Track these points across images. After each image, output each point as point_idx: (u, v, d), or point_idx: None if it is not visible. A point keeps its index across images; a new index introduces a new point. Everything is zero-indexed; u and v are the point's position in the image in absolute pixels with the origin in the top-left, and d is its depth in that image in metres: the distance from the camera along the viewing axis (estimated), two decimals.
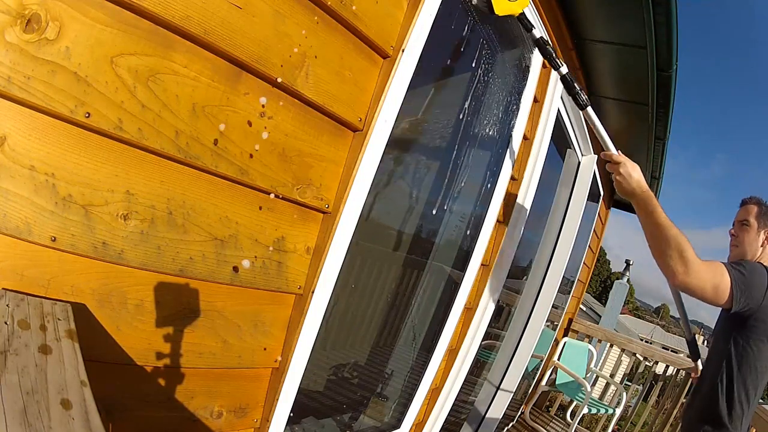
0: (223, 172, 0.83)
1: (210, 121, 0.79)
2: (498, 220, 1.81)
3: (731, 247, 1.53)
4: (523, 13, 1.32)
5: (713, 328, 1.59)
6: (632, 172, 1.31)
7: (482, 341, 1.97)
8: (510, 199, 1.87)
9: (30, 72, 0.61)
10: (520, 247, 1.95)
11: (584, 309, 10.78)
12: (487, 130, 1.70)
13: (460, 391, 1.93)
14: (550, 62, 1.34)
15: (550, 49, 1.33)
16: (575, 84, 1.31)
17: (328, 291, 1.05)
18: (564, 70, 1.32)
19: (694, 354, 1.94)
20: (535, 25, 1.35)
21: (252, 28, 0.80)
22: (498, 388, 2.81)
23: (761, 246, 1.45)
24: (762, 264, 1.40)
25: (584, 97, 1.31)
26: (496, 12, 1.26)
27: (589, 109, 1.32)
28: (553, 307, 3.01)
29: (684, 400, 3.39)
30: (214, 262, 0.86)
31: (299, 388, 1.07)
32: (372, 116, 1.04)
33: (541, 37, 1.33)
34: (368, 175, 1.05)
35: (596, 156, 2.86)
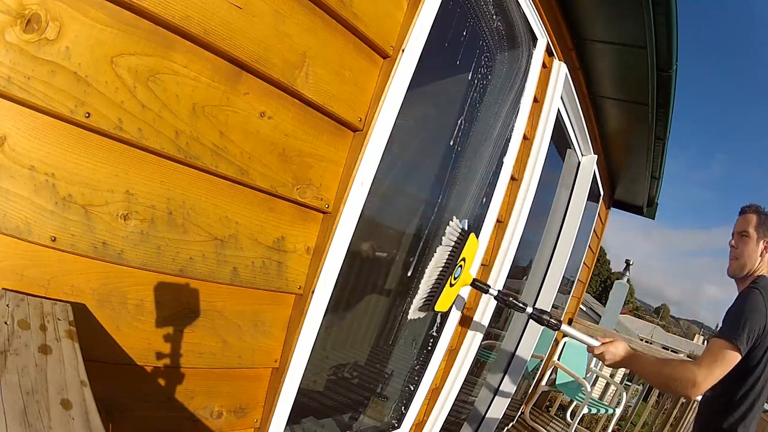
0: (223, 172, 0.83)
1: (210, 121, 0.79)
2: (498, 220, 1.81)
3: (731, 259, 1.52)
4: (474, 281, 1.43)
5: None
6: (616, 351, 1.43)
7: (482, 341, 1.97)
8: (510, 199, 1.87)
9: (30, 72, 0.61)
10: (520, 247, 1.95)
11: (584, 309, 10.78)
12: (487, 130, 1.70)
13: (460, 391, 1.93)
14: (543, 324, 1.45)
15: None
16: (544, 316, 1.42)
17: (328, 291, 1.05)
18: (493, 292, 1.42)
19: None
20: None
21: (252, 28, 0.80)
22: (497, 391, 2.81)
23: (760, 256, 1.45)
24: (750, 287, 1.40)
25: (554, 321, 1.43)
26: (444, 310, 1.40)
27: (563, 326, 1.44)
28: (553, 307, 3.01)
29: (683, 400, 3.39)
30: (214, 262, 0.86)
31: (299, 388, 1.07)
32: (372, 116, 1.04)
33: (532, 313, 1.43)
34: (368, 175, 1.05)
35: (596, 156, 2.87)
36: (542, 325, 1.43)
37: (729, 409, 1.40)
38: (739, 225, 1.52)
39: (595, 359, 4.11)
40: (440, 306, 1.34)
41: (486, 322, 1.91)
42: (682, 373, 1.31)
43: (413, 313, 1.34)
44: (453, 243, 1.36)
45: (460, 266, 1.37)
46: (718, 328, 1.40)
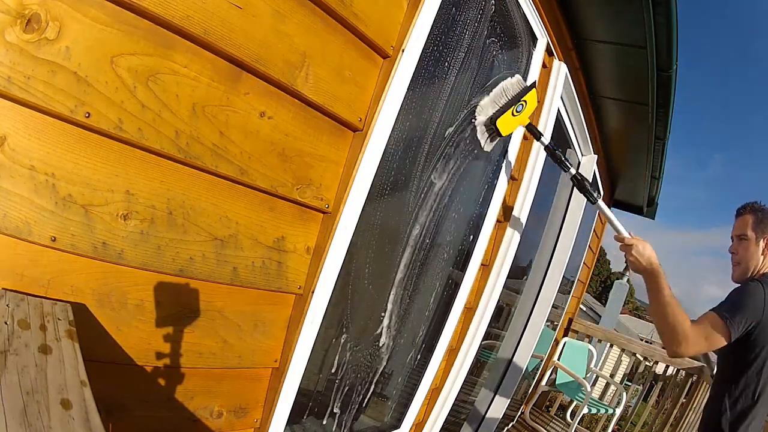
0: (223, 172, 0.83)
1: (210, 121, 0.79)
2: (498, 220, 1.81)
3: (734, 265, 1.50)
4: (530, 123, 1.50)
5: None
6: (644, 251, 1.38)
7: (482, 341, 1.97)
8: (510, 199, 1.87)
9: (30, 72, 0.61)
10: (520, 247, 1.95)
11: (584, 309, 10.79)
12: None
13: (460, 391, 1.93)
14: (583, 192, 1.48)
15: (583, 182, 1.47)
16: (585, 184, 1.44)
17: (328, 291, 1.05)
18: (545, 140, 1.50)
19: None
20: (544, 134, 1.58)
21: (252, 27, 0.80)
22: (497, 391, 2.81)
23: (762, 255, 1.43)
24: (754, 280, 1.39)
25: (594, 194, 1.45)
26: (504, 134, 1.45)
27: (600, 202, 1.45)
28: (553, 307, 3.01)
29: (683, 400, 3.39)
30: (214, 262, 0.86)
31: (299, 388, 1.07)
32: (372, 116, 1.04)
33: (575, 174, 1.47)
34: (368, 175, 1.05)
35: (596, 156, 2.87)
36: (581, 192, 1.45)
37: (729, 410, 1.39)
38: (736, 228, 1.50)
39: (595, 358, 4.12)
40: (503, 125, 1.42)
41: (486, 322, 1.91)
42: (681, 326, 1.30)
43: (481, 112, 1.43)
44: (519, 84, 1.47)
45: (522, 104, 1.44)
46: (718, 305, 1.39)
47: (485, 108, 1.45)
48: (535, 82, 1.56)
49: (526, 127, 1.50)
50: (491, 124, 1.42)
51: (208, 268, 0.85)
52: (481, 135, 1.46)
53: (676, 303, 1.34)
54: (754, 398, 1.36)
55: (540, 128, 1.89)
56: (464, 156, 1.62)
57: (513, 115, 1.44)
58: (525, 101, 1.45)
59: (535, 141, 1.88)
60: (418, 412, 1.76)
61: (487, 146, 1.49)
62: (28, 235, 0.65)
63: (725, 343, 1.31)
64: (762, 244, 1.43)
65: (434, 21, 1.12)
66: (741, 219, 1.49)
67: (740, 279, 1.47)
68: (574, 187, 1.47)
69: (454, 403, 1.93)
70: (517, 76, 1.50)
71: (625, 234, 1.43)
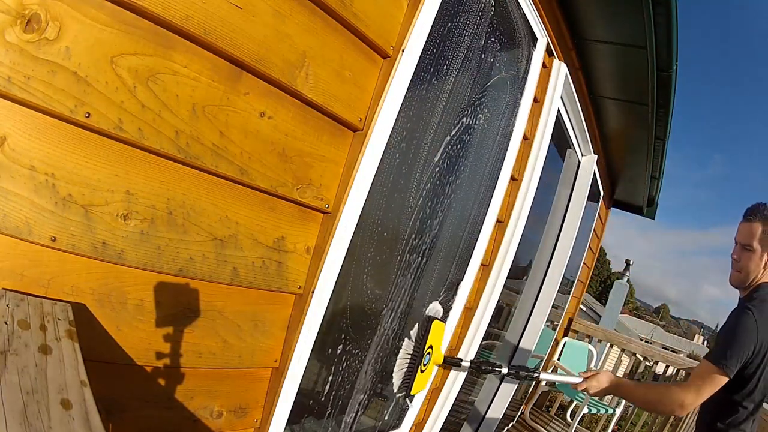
0: (223, 172, 0.83)
1: (210, 121, 0.79)
2: (498, 220, 1.81)
3: (734, 270, 1.50)
4: (444, 359, 1.55)
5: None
6: (600, 383, 1.49)
7: (482, 341, 1.97)
8: (510, 199, 1.87)
9: (30, 72, 0.61)
10: (520, 247, 1.95)
11: (584, 309, 10.78)
12: (487, 131, 1.70)
13: (460, 391, 1.93)
14: (522, 379, 1.56)
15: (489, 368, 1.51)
16: (521, 372, 1.50)
17: (328, 291, 1.05)
18: (466, 364, 1.52)
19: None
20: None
21: (252, 28, 0.81)
22: (497, 392, 2.81)
23: (764, 267, 1.44)
24: (744, 307, 1.40)
25: (532, 374, 1.51)
26: (423, 390, 1.52)
27: (542, 374, 1.52)
28: (553, 307, 3.01)
29: None
30: (214, 262, 0.86)
31: (299, 388, 1.07)
32: (372, 116, 1.04)
33: (509, 372, 1.51)
34: (368, 175, 1.05)
35: (596, 156, 2.87)
36: (521, 380, 1.54)
37: (727, 412, 1.42)
38: (742, 235, 1.47)
39: (595, 358, 4.12)
40: (416, 389, 1.45)
41: (486, 322, 1.91)
42: (669, 397, 1.37)
43: (395, 387, 1.48)
44: (415, 339, 1.50)
45: (428, 354, 1.48)
46: (710, 351, 1.43)
47: (396, 385, 1.49)
48: (431, 317, 1.53)
49: (442, 365, 1.55)
50: (408, 395, 1.47)
51: (208, 268, 0.85)
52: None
53: (647, 388, 1.47)
54: (753, 397, 1.39)
55: (540, 129, 1.89)
56: (464, 155, 1.62)
57: (422, 371, 1.46)
58: (431, 347, 1.47)
59: (534, 141, 1.89)
60: (418, 412, 1.76)
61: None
62: (28, 235, 0.65)
63: (726, 381, 1.35)
64: (766, 257, 1.42)
65: (434, 21, 1.12)
66: (749, 226, 1.45)
67: (738, 285, 1.51)
68: (510, 378, 1.53)
69: (454, 403, 1.93)
70: (412, 333, 1.52)
71: (578, 380, 1.53)
